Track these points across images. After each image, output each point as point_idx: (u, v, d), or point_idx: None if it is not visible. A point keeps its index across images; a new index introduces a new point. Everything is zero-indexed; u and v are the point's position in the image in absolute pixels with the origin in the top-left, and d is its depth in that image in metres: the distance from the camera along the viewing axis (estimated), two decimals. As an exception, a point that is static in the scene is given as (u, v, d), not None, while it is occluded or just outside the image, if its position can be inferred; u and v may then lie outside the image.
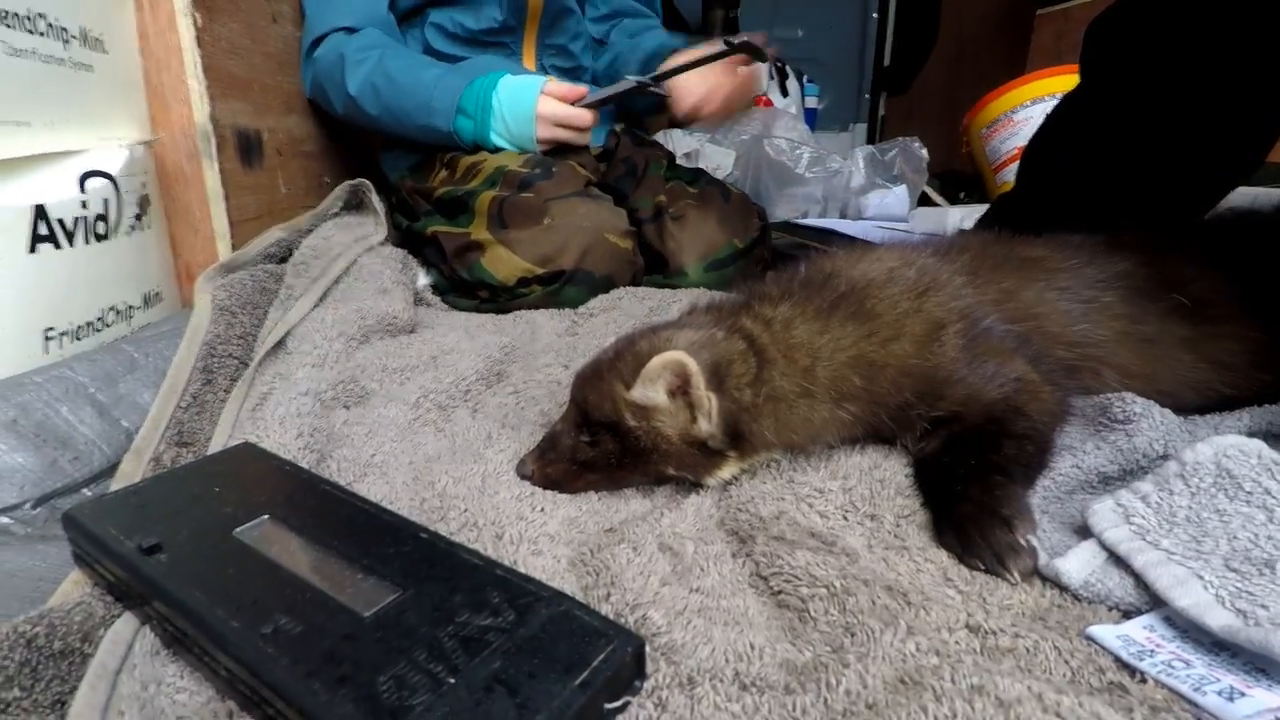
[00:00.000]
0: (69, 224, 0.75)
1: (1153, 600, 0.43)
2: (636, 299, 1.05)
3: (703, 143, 2.43)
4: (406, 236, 1.23)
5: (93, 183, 0.78)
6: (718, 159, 2.51)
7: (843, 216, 1.90)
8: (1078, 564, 0.44)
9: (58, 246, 0.74)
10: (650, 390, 0.56)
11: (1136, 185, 0.84)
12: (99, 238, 0.79)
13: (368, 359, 0.83)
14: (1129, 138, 0.85)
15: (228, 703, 0.39)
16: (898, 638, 0.40)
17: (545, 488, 0.60)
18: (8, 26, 0.71)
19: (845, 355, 0.58)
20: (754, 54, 1.19)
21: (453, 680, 0.34)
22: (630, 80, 1.17)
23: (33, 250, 0.71)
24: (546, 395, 0.79)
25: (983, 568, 0.48)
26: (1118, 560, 0.44)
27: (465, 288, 1.10)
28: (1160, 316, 0.65)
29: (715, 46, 1.18)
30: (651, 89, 1.18)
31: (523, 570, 0.46)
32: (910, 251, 0.65)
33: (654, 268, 1.17)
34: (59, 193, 0.74)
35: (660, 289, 1.09)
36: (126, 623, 0.44)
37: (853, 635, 0.41)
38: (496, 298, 1.08)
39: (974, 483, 0.53)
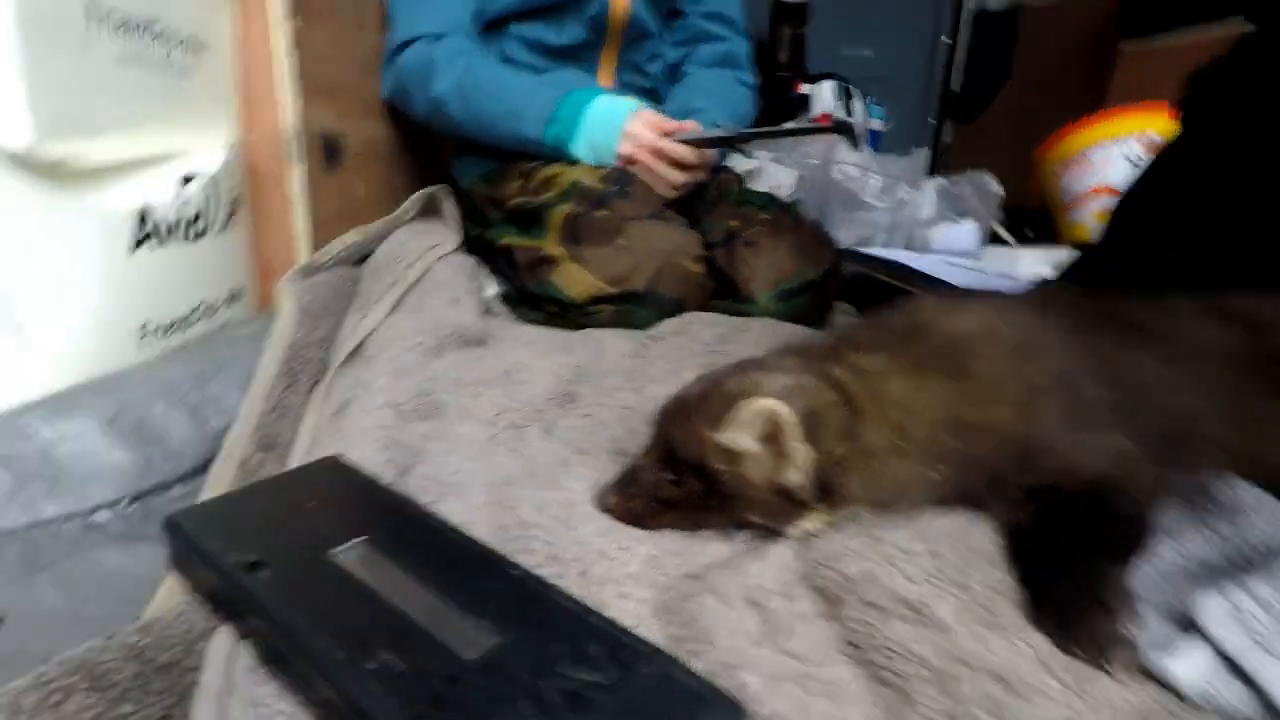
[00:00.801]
0: (169, 224, 0.77)
1: (1267, 711, 0.41)
2: (706, 325, 1.05)
3: (765, 162, 2.41)
4: (476, 244, 1.24)
5: (192, 184, 0.80)
6: (780, 178, 2.48)
7: (908, 248, 1.87)
8: (1189, 666, 0.43)
9: (157, 247, 0.76)
10: (740, 436, 0.56)
11: (1242, 247, 0.82)
12: (195, 237, 0.81)
13: (442, 371, 0.84)
14: (1234, 196, 0.82)
15: (325, 731, 0.39)
16: (1003, 729, 0.39)
17: (625, 522, 0.60)
18: (121, 35, 0.73)
19: (940, 414, 0.57)
20: (847, 135, 1.18)
21: (560, 739, 0.34)
22: (722, 130, 1.17)
23: (134, 251, 0.73)
24: (617, 421, 0.79)
25: (1082, 656, 0.46)
26: (1232, 665, 0.42)
27: (534, 301, 1.11)
28: (1269, 393, 0.62)
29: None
30: (740, 145, 1.18)
31: (610, 615, 0.46)
32: (1006, 307, 0.64)
33: (722, 292, 1.16)
34: (161, 194, 0.76)
35: (730, 316, 1.09)
36: (225, 637, 0.44)
37: (960, 724, 0.40)
38: (565, 314, 1.08)
39: (1071, 563, 0.51)
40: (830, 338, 0.65)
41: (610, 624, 0.42)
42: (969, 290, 1.25)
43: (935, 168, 2.90)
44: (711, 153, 1.21)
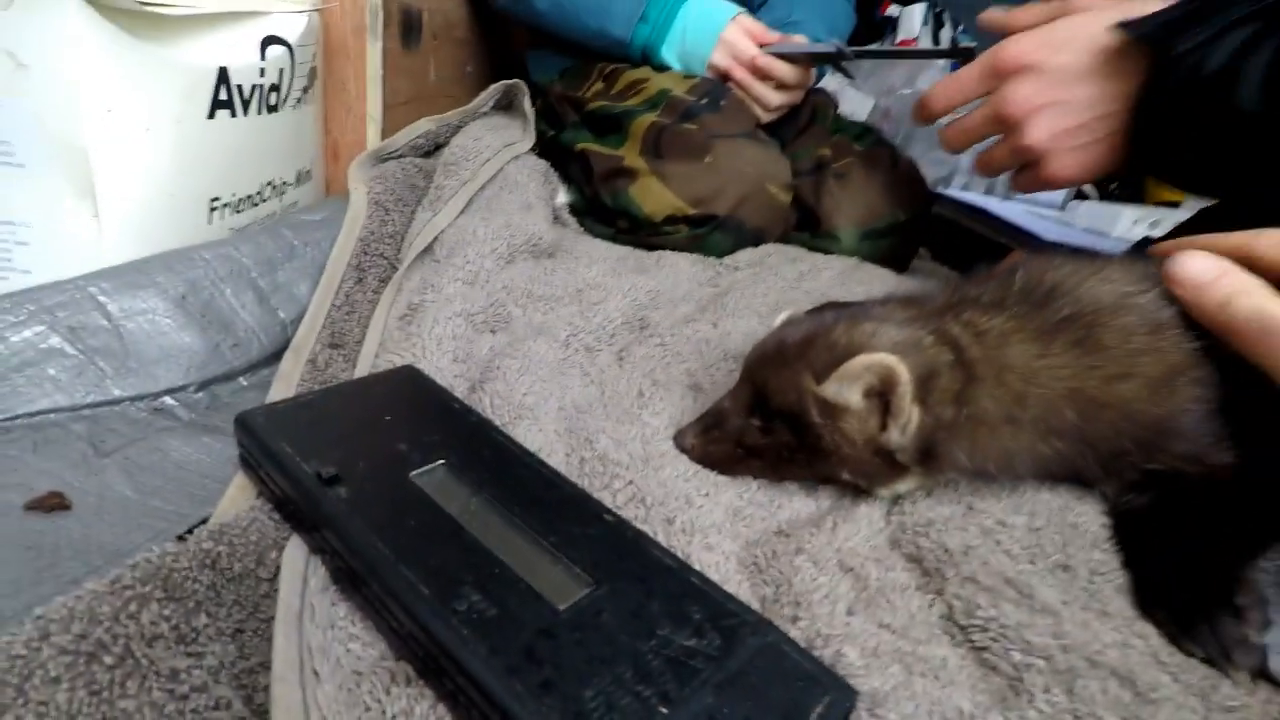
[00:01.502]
0: (246, 91, 0.72)
1: None
2: (785, 259, 0.99)
3: (842, 86, 2.27)
4: (549, 147, 1.18)
5: (272, 50, 0.75)
6: (854, 104, 2.34)
7: (988, 192, 1.77)
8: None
9: (233, 114, 0.71)
10: (846, 390, 0.51)
11: None
12: (270, 108, 0.77)
13: (513, 281, 0.80)
14: None
15: (402, 664, 0.37)
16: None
17: (703, 466, 0.57)
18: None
19: (1063, 386, 0.53)
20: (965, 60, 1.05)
21: (665, 710, 0.31)
22: (830, 45, 1.06)
23: (211, 116, 0.69)
24: (693, 353, 0.75)
25: (1201, 656, 0.43)
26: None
27: (605, 214, 1.06)
28: None
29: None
30: (845, 63, 1.08)
31: (696, 567, 0.44)
32: (1144, 275, 0.57)
33: (802, 224, 1.10)
34: (241, 57, 0.71)
35: (811, 252, 1.03)
36: (298, 550, 0.42)
37: (1087, 733, 0.37)
38: (637, 230, 1.03)
39: (1196, 556, 0.47)
40: (945, 291, 0.60)
41: (710, 585, 0.39)
42: (1067, 246, 1.17)
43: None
44: (811, 72, 1.12)
